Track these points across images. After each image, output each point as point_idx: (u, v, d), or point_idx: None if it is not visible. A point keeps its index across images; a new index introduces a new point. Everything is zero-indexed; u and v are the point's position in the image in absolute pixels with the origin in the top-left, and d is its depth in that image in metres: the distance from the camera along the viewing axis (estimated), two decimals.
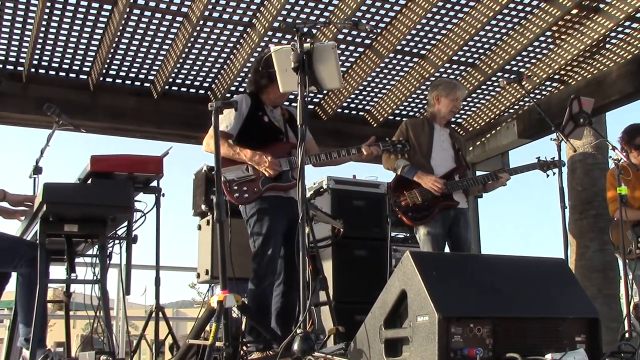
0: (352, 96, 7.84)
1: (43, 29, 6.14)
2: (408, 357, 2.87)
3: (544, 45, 7.02)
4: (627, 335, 4.62)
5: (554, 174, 5.09)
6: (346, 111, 8.18)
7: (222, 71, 7.15)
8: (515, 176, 5.30)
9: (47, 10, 5.91)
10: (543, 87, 7.72)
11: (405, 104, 8.04)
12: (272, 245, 4.31)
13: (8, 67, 6.64)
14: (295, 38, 3.52)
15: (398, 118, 8.21)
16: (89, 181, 3.74)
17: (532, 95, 6.79)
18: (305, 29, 3.48)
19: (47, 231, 3.63)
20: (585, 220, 7.44)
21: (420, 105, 8.19)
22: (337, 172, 6.07)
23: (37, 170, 4.79)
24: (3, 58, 6.56)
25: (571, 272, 3.34)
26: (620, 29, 6.61)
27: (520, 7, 6.40)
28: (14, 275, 4.06)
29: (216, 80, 7.30)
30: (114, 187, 3.69)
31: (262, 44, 6.58)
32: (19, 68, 6.67)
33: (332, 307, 4.59)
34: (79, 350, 5.03)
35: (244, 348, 4.28)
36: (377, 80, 7.61)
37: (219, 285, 5.67)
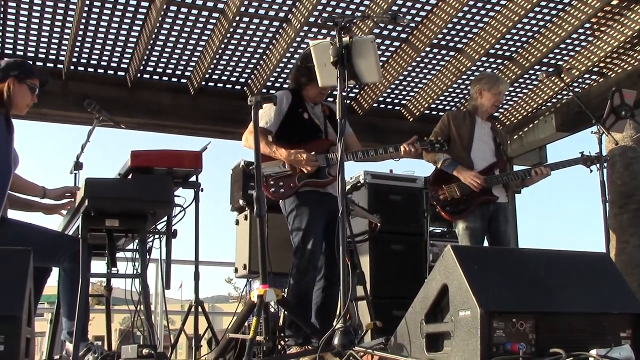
0: (388, 90, 7.80)
1: (82, 26, 6.22)
2: (449, 352, 2.85)
3: (583, 37, 6.92)
4: None
5: (597, 168, 5.02)
6: (382, 106, 8.15)
7: (258, 67, 7.17)
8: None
9: (86, 8, 5.98)
10: (582, 80, 7.62)
11: (442, 98, 7.99)
12: (312, 239, 4.33)
13: (48, 64, 6.74)
14: (333, 33, 3.51)
15: (434, 112, 8.17)
16: (130, 176, 3.77)
17: (570, 88, 6.70)
18: (345, 24, 3.44)
19: (88, 226, 3.65)
20: (625, 214, 7.32)
21: (456, 100, 8.14)
22: (374, 167, 6.05)
23: (78, 166, 4.86)
24: (43, 56, 6.67)
25: (615, 266, 3.28)
26: None
27: None
28: (53, 270, 4.11)
29: (252, 76, 7.32)
30: (154, 182, 3.70)
31: (298, 39, 6.60)
32: (59, 65, 6.77)
33: (370, 302, 4.59)
34: (119, 343, 5.09)
35: (282, 342, 4.30)
36: (413, 74, 7.57)
37: (257, 280, 5.74)
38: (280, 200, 4.50)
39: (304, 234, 4.36)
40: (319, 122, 4.63)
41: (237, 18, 6.28)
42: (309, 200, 4.41)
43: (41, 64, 6.69)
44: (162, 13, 6.11)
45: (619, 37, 6.68)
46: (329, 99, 5.24)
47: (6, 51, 6.51)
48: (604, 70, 7.39)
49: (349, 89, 3.41)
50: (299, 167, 4.37)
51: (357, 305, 5.11)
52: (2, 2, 5.91)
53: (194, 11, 6.23)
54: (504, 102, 8.15)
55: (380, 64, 7.19)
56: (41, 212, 4.30)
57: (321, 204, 4.42)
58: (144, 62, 6.86)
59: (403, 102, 8.16)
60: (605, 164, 5.09)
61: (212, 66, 6.99)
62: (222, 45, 6.64)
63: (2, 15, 6.07)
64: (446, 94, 7.91)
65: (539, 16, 6.56)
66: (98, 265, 4.85)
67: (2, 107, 3.75)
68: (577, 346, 2.70)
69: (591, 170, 5.09)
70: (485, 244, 5.14)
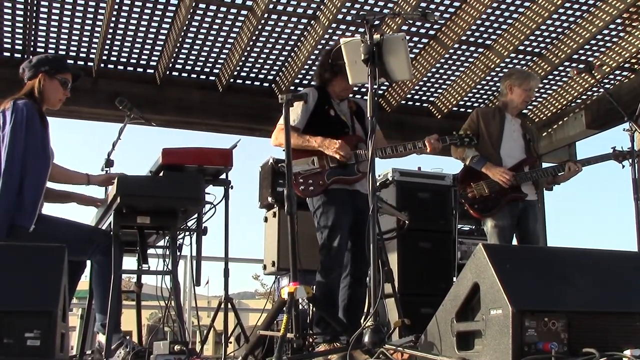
0: (416, 87, 7.79)
1: (112, 25, 6.29)
2: (481, 350, 2.83)
3: (614, 33, 6.85)
4: None
5: (630, 164, 4.96)
6: (410, 103, 8.13)
7: (286, 64, 7.19)
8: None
9: (115, 7, 6.05)
10: (613, 76, 7.54)
11: (470, 95, 7.95)
12: (338, 237, 4.31)
13: (79, 62, 6.83)
14: (362, 30, 3.50)
15: (462, 109, 8.14)
16: (161, 174, 3.80)
17: (601, 84, 6.63)
18: (377, 22, 3.43)
19: (120, 223, 3.70)
20: None
21: (485, 97, 8.09)
22: (403, 164, 6.04)
23: (109, 163, 4.89)
24: (74, 54, 6.75)
25: None
26: None
27: None
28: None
29: (280, 74, 7.34)
30: (184, 180, 3.73)
31: (326, 36, 6.61)
32: (89, 63, 6.85)
33: (398, 299, 4.58)
34: (148, 339, 5.13)
35: (310, 340, 4.30)
36: (441, 71, 7.54)
37: (285, 277, 5.76)
38: (307, 198, 4.50)
39: (331, 231, 4.35)
40: (346, 119, 4.61)
41: (265, 15, 6.30)
42: (337, 197, 4.40)
43: (72, 62, 6.77)
44: (191, 11, 6.16)
45: None
46: (357, 96, 5.23)
47: (38, 49, 6.60)
48: (636, 66, 7.31)
49: (374, 86, 3.39)
50: (330, 153, 4.35)
51: (385, 302, 5.11)
52: (35, 2, 5.99)
53: (223, 8, 6.27)
54: (534, 99, 8.09)
55: None
56: (76, 203, 4.33)
57: (348, 202, 4.41)
58: (172, 60, 6.92)
59: (431, 99, 8.13)
60: (637, 160, 5.03)
61: (240, 63, 7.02)
62: (250, 43, 6.67)
63: (34, 15, 6.15)
64: (474, 90, 7.87)
65: (569, 12, 6.51)
66: (129, 262, 4.90)
67: (35, 103, 3.80)
68: (610, 346, 2.67)
69: (623, 166, 5.01)
70: (514, 242, 5.10)
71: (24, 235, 3.54)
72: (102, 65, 6.87)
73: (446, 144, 4.59)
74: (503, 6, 6.44)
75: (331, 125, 4.54)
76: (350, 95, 4.83)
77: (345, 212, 4.39)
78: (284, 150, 3.64)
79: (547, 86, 7.92)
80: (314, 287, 4.43)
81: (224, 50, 6.89)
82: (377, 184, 6.07)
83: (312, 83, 7.34)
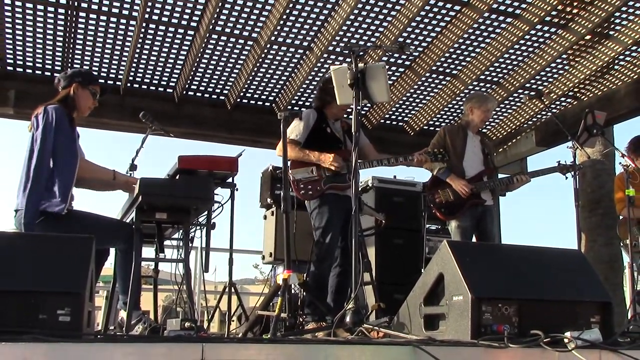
0: (393, 109, 7.78)
1: (137, 50, 6.25)
2: (444, 330, 2.84)
3: (560, 66, 6.87)
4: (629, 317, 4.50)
5: (572, 176, 4.98)
6: (388, 122, 8.11)
7: (284, 87, 7.16)
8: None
9: (141, 35, 6.02)
10: (559, 102, 7.56)
11: (439, 116, 7.94)
12: (330, 234, 4.36)
13: (109, 82, 6.78)
14: (348, 59, 3.50)
15: (432, 128, 8.13)
16: (177, 177, 3.78)
17: (549, 109, 6.64)
18: (362, 53, 3.43)
19: (141, 217, 3.69)
20: (593, 217, 7.25)
21: (450, 117, 8.09)
22: (381, 173, 6.06)
23: (133, 167, 4.85)
24: (105, 74, 6.70)
25: (587, 262, 3.25)
26: (628, 52, 6.44)
27: (540, 33, 6.27)
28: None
29: (280, 95, 7.32)
30: (197, 182, 3.72)
31: (319, 64, 6.60)
32: (118, 82, 6.80)
33: (375, 287, 4.58)
34: (163, 317, 5.10)
35: (301, 319, 4.29)
36: (414, 95, 7.54)
37: (281, 266, 5.75)
38: (306, 201, 4.52)
39: (324, 229, 4.39)
40: (339, 135, 4.67)
41: (268, 46, 6.28)
42: (330, 201, 4.45)
43: (103, 81, 6.71)
44: (205, 40, 6.14)
45: (591, 67, 6.63)
46: (350, 117, 5.24)
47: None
48: (578, 94, 7.33)
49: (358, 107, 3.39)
50: (326, 164, 4.37)
51: (364, 289, 5.09)
52: (72, 29, 5.96)
53: (232, 39, 6.24)
54: (491, 120, 8.12)
55: None
56: (121, 190, 4.18)
57: (340, 205, 4.44)
58: (189, 81, 6.88)
59: (405, 119, 8.12)
60: (578, 173, 5.05)
61: (246, 86, 6.99)
62: (255, 68, 6.65)
63: (71, 41, 6.12)
64: (442, 112, 7.87)
65: (523, 47, 6.52)
66: (148, 251, 4.86)
67: (67, 108, 3.76)
68: (554, 329, 2.68)
69: (566, 177, 5.04)
70: (474, 239, 5.11)
71: (56, 221, 3.48)
72: (129, 84, 6.83)
73: (430, 157, 4.66)
74: (467, 42, 6.45)
75: (327, 141, 4.59)
76: (345, 115, 4.84)
77: (337, 214, 4.43)
78: None
79: (503, 109, 7.93)
80: (306, 274, 4.43)
81: (233, 74, 6.87)
82: (359, 189, 6.08)
83: (307, 103, 7.36)
